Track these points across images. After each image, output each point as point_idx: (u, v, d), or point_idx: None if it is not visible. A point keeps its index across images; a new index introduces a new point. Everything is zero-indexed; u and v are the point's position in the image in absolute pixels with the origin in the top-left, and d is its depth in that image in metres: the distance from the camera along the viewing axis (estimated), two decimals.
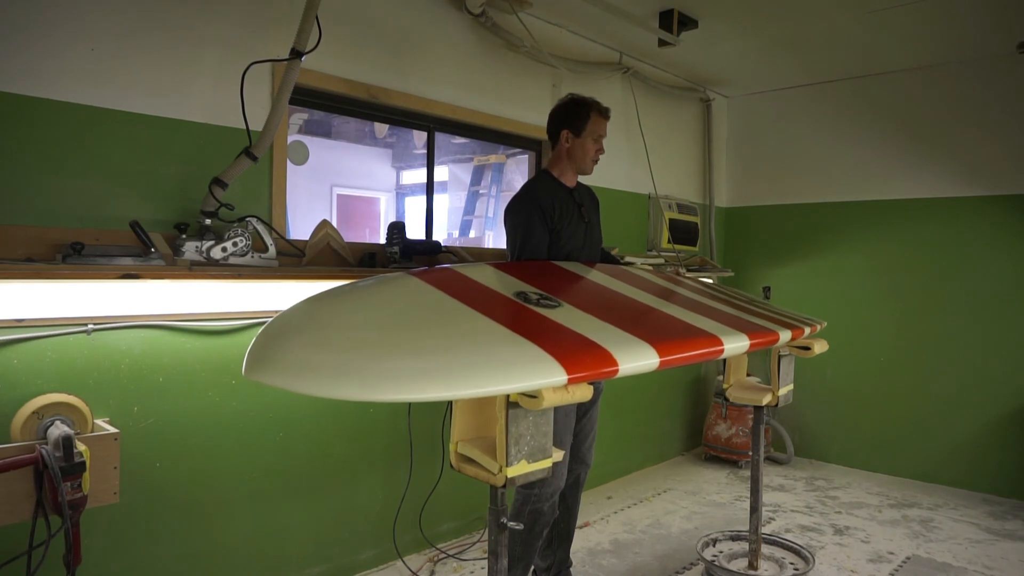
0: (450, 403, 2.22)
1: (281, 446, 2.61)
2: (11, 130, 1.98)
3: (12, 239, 1.93)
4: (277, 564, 2.62)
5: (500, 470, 1.55)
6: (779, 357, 2.81)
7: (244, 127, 2.32)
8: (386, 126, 6.42)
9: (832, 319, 3.40)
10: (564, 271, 2.32)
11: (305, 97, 2.75)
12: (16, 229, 1.95)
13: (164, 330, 2.29)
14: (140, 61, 2.22)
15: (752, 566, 2.92)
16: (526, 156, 4.24)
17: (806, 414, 4.83)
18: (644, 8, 3.52)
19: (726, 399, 3.01)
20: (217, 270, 2.16)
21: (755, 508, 2.91)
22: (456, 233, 6.85)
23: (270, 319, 1.40)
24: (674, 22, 3.57)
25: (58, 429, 1.81)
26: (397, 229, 2.78)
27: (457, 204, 7.02)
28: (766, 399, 2.82)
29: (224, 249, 2.22)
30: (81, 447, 1.77)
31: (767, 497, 3.96)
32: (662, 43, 3.82)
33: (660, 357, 1.60)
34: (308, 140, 5.96)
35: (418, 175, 6.84)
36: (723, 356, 1.91)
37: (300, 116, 5.67)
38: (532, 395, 1.43)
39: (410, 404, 2.92)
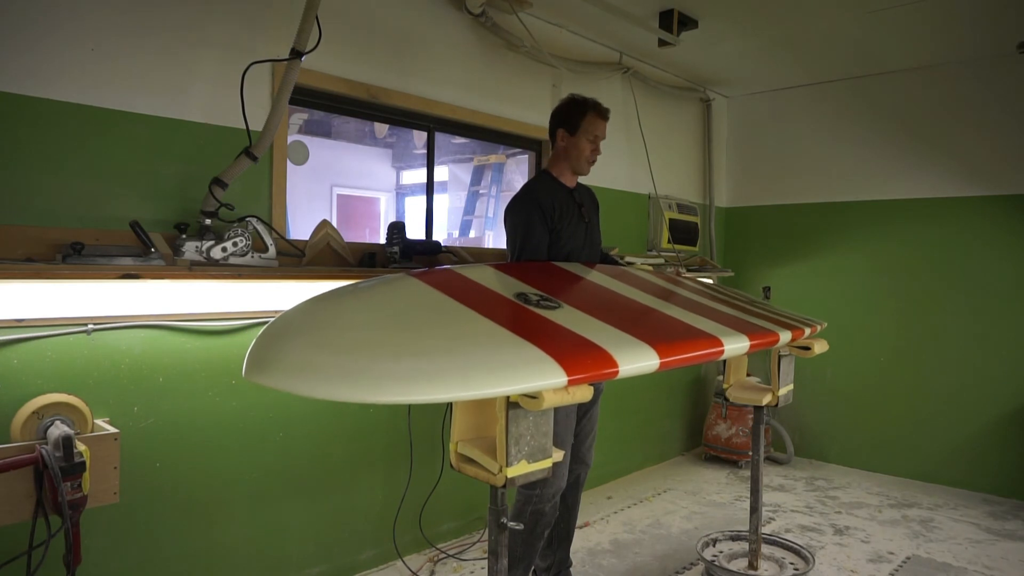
0: (450, 403, 2.22)
1: (281, 446, 2.61)
2: (11, 130, 1.98)
3: (12, 239, 1.94)
4: (277, 564, 2.62)
5: (500, 470, 1.54)
6: (779, 357, 2.81)
7: (244, 127, 2.32)
8: (386, 126, 6.42)
9: (832, 319, 3.40)
10: (564, 272, 2.32)
11: (305, 97, 2.75)
12: (16, 229, 1.96)
13: (164, 330, 2.29)
14: (140, 61, 2.22)
15: (752, 566, 2.92)
16: (526, 156, 4.24)
17: (806, 414, 4.83)
18: (644, 8, 3.52)
19: (726, 399, 3.01)
20: (217, 270, 2.16)
21: (755, 508, 2.91)
22: (456, 233, 6.85)
23: (270, 321, 1.40)
24: (674, 22, 3.57)
25: (58, 429, 1.81)
26: (397, 229, 2.78)
27: (457, 204, 7.02)
28: (766, 399, 2.82)
29: (224, 249, 2.22)
30: (81, 447, 1.77)
31: (767, 497, 3.96)
32: (662, 43, 3.82)
33: (660, 358, 1.60)
34: (308, 140, 5.96)
35: (418, 175, 6.84)
36: (723, 357, 1.91)
37: (300, 116, 5.67)
38: (532, 396, 1.43)
39: (410, 404, 2.92)
